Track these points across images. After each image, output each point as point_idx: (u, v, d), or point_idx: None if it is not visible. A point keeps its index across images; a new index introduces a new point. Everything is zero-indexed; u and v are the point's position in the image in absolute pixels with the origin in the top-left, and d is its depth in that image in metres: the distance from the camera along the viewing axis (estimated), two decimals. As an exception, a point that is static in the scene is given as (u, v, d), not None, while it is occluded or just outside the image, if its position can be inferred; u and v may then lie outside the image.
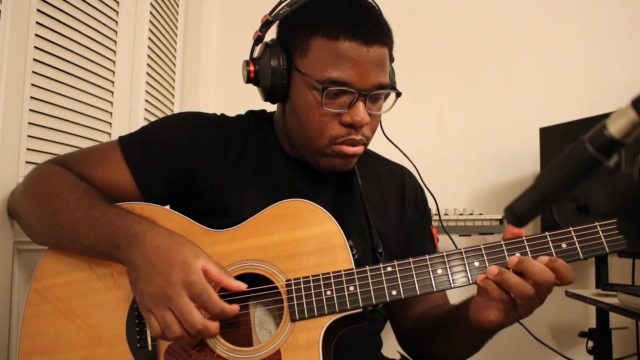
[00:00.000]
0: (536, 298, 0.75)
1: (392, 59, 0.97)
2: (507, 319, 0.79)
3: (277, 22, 0.95)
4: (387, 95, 0.95)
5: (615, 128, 0.38)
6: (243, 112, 1.09)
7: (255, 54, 0.97)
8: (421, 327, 1.01)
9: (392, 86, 0.94)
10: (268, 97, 0.95)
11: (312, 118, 0.90)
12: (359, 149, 0.93)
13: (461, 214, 1.84)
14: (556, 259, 0.76)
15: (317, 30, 0.88)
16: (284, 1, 0.93)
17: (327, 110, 0.88)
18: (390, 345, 1.10)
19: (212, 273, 0.79)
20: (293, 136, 0.97)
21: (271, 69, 0.91)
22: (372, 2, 0.94)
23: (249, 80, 0.95)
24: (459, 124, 2.12)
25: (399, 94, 0.94)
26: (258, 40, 0.96)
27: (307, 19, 0.90)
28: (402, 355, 1.08)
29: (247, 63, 0.95)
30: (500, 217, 1.81)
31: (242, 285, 0.81)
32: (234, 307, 0.79)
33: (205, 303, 0.77)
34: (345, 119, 0.89)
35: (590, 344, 1.64)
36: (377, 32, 0.88)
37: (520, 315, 0.78)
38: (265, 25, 0.94)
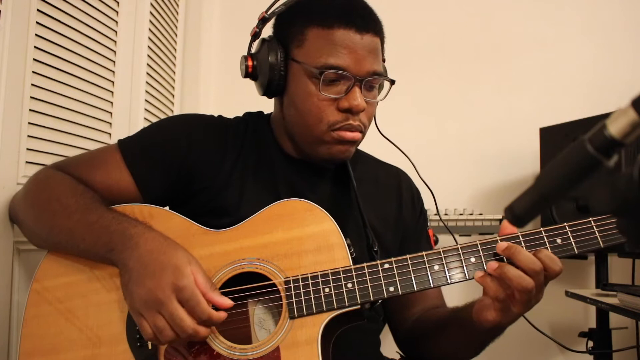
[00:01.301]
0: (534, 292, 0.76)
1: (383, 58, 0.99)
2: (504, 317, 0.79)
3: (273, 19, 0.97)
4: (381, 86, 0.98)
5: (615, 128, 0.38)
6: (243, 112, 1.09)
7: (253, 50, 0.99)
8: (421, 327, 1.02)
9: (386, 75, 0.97)
10: (266, 90, 0.96)
11: (310, 105, 0.92)
12: (356, 135, 0.94)
13: (461, 214, 1.84)
14: (541, 249, 0.77)
15: (312, 21, 0.91)
16: None
17: (324, 96, 0.90)
18: (390, 345, 1.10)
19: (199, 284, 0.79)
20: (292, 128, 0.98)
21: (269, 62, 0.93)
22: None
23: (247, 74, 0.97)
24: (459, 123, 2.12)
25: (392, 83, 0.96)
26: (255, 36, 0.98)
27: (302, 12, 0.94)
28: (401, 355, 1.08)
29: (245, 58, 0.97)
30: (500, 217, 1.82)
31: (227, 302, 0.80)
32: (221, 314, 0.79)
33: (194, 309, 0.77)
34: (342, 104, 0.91)
35: (590, 343, 1.64)
36: (370, 21, 0.92)
37: (517, 313, 0.78)
38: (262, 21, 0.98)
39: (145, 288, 0.78)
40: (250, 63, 0.96)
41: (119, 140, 1.00)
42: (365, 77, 0.91)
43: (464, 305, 0.91)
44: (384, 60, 1.01)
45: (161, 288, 0.77)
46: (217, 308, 0.80)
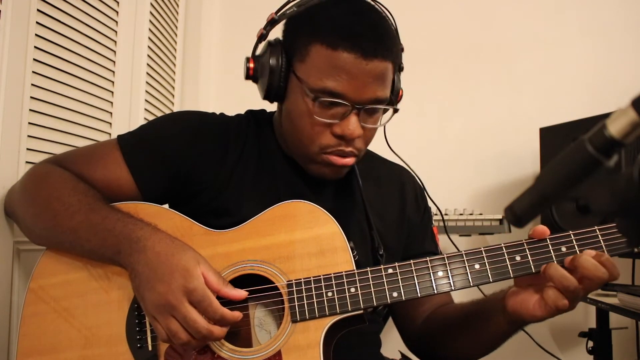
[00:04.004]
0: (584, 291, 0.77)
1: (400, 68, 0.97)
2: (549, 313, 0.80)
3: (284, 22, 0.94)
4: (386, 108, 0.94)
5: (615, 128, 0.38)
6: (243, 112, 1.09)
7: (258, 52, 0.97)
8: (437, 326, 1.00)
9: (390, 101, 0.93)
10: (266, 95, 0.94)
11: (304, 125, 0.90)
12: (349, 161, 0.92)
13: (461, 214, 1.83)
14: (602, 254, 0.77)
15: (317, 37, 0.86)
16: (291, 1, 0.92)
17: (318, 120, 0.88)
18: (390, 345, 1.10)
19: (210, 282, 0.79)
20: (287, 138, 0.98)
21: (269, 68, 0.90)
22: (382, 11, 0.92)
23: (248, 76, 0.96)
24: (459, 124, 2.13)
25: (395, 111, 0.93)
26: (261, 38, 0.96)
27: (310, 24, 0.89)
28: (402, 354, 1.08)
29: (247, 60, 0.95)
30: (500, 217, 1.81)
31: (242, 294, 0.81)
32: (235, 314, 0.79)
33: (206, 310, 0.77)
34: (336, 130, 0.88)
35: (590, 344, 1.64)
36: (379, 45, 0.86)
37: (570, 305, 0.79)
38: (270, 23, 0.94)
39: (156, 292, 0.77)
40: (252, 65, 0.94)
41: (119, 136, 0.98)
42: (365, 104, 0.87)
43: (486, 298, 0.91)
44: (401, 69, 0.97)
45: (172, 292, 0.76)
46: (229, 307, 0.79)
